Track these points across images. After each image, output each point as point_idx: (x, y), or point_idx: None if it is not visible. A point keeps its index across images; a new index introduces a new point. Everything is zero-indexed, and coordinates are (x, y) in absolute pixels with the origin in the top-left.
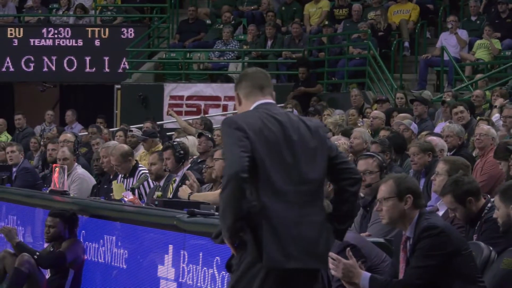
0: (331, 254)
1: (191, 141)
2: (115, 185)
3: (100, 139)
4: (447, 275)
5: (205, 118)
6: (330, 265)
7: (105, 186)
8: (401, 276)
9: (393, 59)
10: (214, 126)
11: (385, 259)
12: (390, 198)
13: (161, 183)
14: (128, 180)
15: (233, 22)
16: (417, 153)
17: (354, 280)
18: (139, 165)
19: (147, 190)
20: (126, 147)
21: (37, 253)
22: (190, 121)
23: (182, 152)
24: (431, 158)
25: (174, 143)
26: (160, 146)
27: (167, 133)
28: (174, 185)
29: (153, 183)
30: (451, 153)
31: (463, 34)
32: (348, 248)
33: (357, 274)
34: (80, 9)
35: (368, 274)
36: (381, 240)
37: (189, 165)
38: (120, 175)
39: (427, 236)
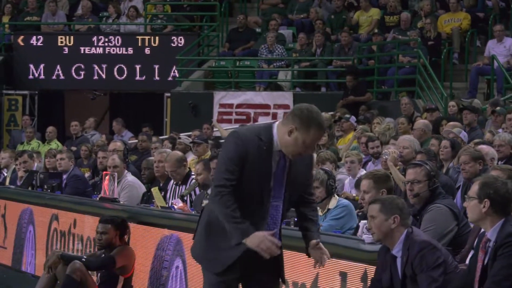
0: None
1: None
2: (154, 191)
3: (159, 144)
4: None
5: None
6: None
7: None
8: (477, 275)
9: (443, 67)
10: None
11: (457, 266)
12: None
13: (209, 191)
14: (180, 187)
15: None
16: (468, 162)
17: None
18: (192, 173)
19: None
20: (180, 153)
21: (85, 257)
22: None
23: None
24: (482, 167)
25: (220, 151)
26: (209, 153)
27: (219, 141)
28: None
29: (200, 190)
30: (502, 162)
31: (509, 42)
32: None
33: None
34: (133, 10)
35: None
36: None
37: None
38: (172, 182)
39: (509, 243)
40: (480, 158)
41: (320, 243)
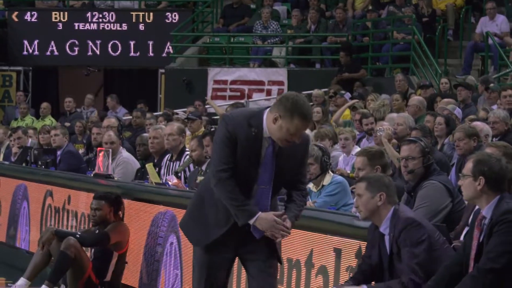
0: None
1: None
2: (149, 167)
3: (153, 120)
4: None
5: (240, 103)
6: None
7: None
8: (472, 253)
9: (437, 44)
10: None
11: (441, 238)
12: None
13: (203, 167)
14: (175, 163)
15: (273, 6)
16: (463, 138)
17: None
18: (186, 149)
19: (188, 174)
20: (181, 124)
21: (79, 233)
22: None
23: None
24: (476, 144)
25: (212, 129)
26: (202, 130)
27: (213, 118)
28: None
29: (194, 167)
30: (496, 139)
31: (501, 19)
32: None
33: None
34: None
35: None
36: None
37: None
38: (166, 158)
39: (505, 220)
40: (474, 134)
41: (288, 222)
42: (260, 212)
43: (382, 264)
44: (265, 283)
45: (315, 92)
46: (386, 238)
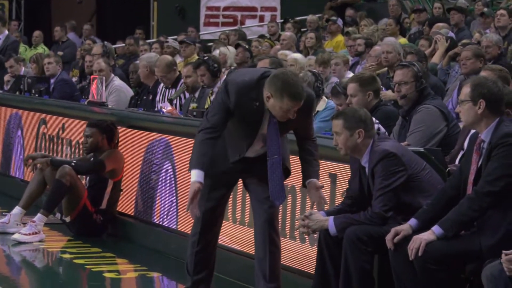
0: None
1: (231, 52)
2: None
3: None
4: None
5: (240, 30)
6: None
7: (144, 97)
8: (471, 177)
9: None
10: (251, 37)
11: (425, 167)
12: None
13: (196, 94)
14: (170, 91)
15: None
16: (470, 57)
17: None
18: (182, 76)
19: (183, 101)
20: (170, 57)
21: (74, 161)
22: (227, 32)
23: (216, 65)
24: (482, 65)
25: (205, 57)
26: (195, 57)
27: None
28: (212, 97)
29: (187, 94)
30: (490, 63)
31: None
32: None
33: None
34: None
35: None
36: (421, 149)
37: (225, 76)
38: (162, 86)
39: (505, 143)
40: (481, 56)
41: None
42: (199, 183)
43: (363, 195)
44: (267, 205)
45: (310, 17)
46: (367, 171)
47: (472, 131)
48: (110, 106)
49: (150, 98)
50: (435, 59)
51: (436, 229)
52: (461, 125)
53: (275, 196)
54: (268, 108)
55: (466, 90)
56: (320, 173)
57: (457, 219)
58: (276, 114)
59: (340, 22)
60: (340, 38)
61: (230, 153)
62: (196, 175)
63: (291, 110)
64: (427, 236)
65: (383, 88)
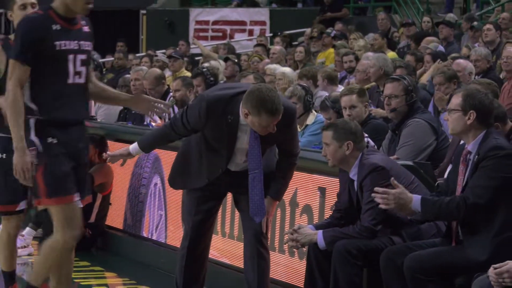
0: (378, 189)
1: (222, 66)
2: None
3: (137, 61)
4: (508, 199)
5: (228, 44)
6: (380, 200)
7: (133, 111)
8: (459, 188)
9: None
10: (240, 51)
11: (413, 181)
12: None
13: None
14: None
15: None
16: (443, 83)
17: (407, 206)
18: (170, 90)
19: (172, 115)
20: (159, 70)
21: None
22: (215, 46)
23: (212, 78)
24: (456, 86)
25: (203, 69)
26: (184, 71)
27: (195, 58)
28: None
29: (176, 108)
30: (479, 76)
31: None
32: (392, 178)
33: (408, 199)
34: None
35: (419, 197)
36: (410, 163)
37: None
38: None
39: (493, 156)
40: (454, 77)
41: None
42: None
43: (352, 208)
44: None
45: (307, 31)
46: (355, 184)
47: (461, 143)
48: (99, 120)
49: (139, 112)
50: (424, 79)
51: (416, 200)
52: (450, 138)
53: (254, 213)
54: (248, 124)
55: (457, 99)
56: (310, 187)
57: (437, 209)
58: (256, 129)
59: (333, 33)
60: (332, 50)
61: (211, 168)
62: (132, 146)
63: (270, 125)
64: None
65: (371, 104)
